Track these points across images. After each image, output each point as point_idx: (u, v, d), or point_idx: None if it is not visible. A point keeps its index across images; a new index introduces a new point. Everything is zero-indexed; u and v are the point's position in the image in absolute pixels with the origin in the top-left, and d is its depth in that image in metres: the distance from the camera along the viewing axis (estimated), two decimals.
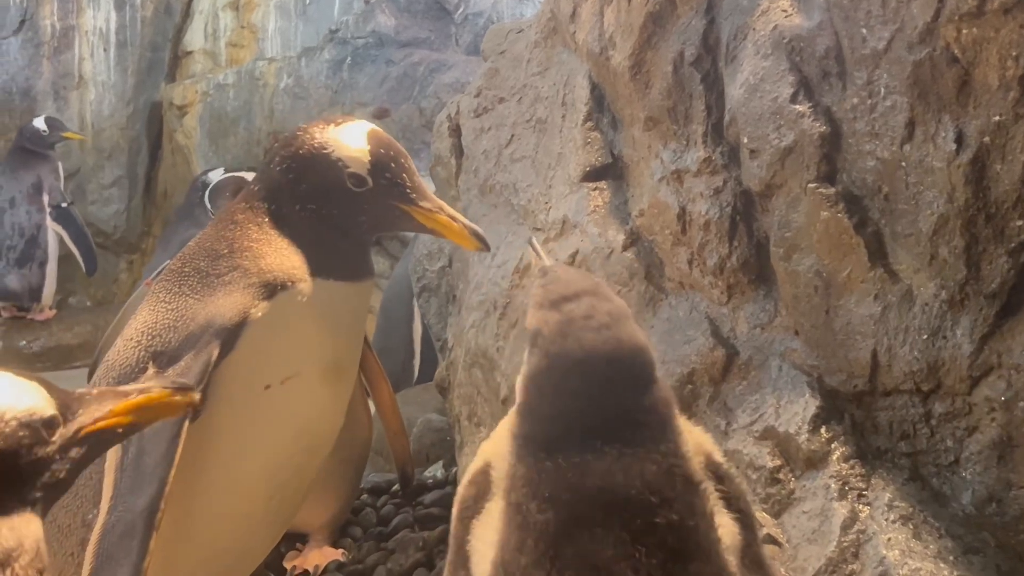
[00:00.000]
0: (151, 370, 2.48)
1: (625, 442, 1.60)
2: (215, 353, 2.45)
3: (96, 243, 8.64)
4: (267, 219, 2.65)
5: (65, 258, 7.73)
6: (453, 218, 2.62)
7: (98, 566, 2.27)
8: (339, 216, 2.63)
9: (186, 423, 2.36)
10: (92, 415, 1.47)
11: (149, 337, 2.55)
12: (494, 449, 1.72)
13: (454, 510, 1.74)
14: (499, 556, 1.59)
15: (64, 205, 7.67)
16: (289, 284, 2.58)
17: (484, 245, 2.65)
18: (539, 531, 1.55)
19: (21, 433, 1.38)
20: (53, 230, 7.59)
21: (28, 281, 7.58)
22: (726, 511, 1.64)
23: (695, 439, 1.70)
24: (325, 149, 2.62)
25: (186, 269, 2.63)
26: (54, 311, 7.89)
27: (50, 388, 1.48)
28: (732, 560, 1.60)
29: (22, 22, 8.97)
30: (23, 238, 7.53)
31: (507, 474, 1.65)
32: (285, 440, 2.66)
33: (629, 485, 1.55)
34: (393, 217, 2.66)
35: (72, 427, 1.45)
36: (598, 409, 1.63)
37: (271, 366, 2.59)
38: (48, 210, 7.56)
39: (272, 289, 2.56)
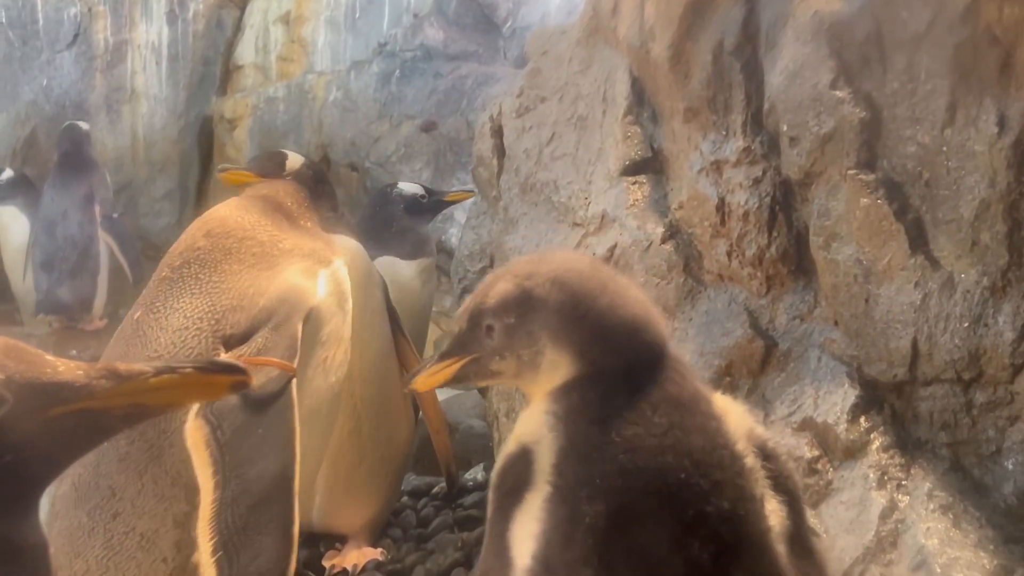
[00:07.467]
0: (223, 353, 2.52)
1: (667, 398, 1.58)
2: (299, 327, 2.58)
3: (148, 255, 8.69)
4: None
5: (115, 270, 7.76)
6: None
7: (228, 539, 2.22)
8: None
9: (293, 388, 2.44)
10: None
11: (212, 322, 2.60)
12: (529, 433, 1.66)
13: (490, 497, 1.68)
14: (541, 550, 1.54)
15: (115, 216, 7.70)
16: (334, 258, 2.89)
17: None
18: (588, 524, 1.50)
19: None
20: (104, 241, 7.60)
21: (79, 293, 7.57)
22: (774, 493, 1.60)
23: (735, 415, 1.66)
24: None
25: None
26: (104, 321, 7.90)
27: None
28: (781, 549, 1.56)
29: (75, 36, 9.06)
30: (76, 250, 7.52)
31: (553, 452, 1.59)
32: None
33: (680, 467, 1.51)
34: None
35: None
36: (633, 332, 1.64)
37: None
38: (99, 220, 7.57)
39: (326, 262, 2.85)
